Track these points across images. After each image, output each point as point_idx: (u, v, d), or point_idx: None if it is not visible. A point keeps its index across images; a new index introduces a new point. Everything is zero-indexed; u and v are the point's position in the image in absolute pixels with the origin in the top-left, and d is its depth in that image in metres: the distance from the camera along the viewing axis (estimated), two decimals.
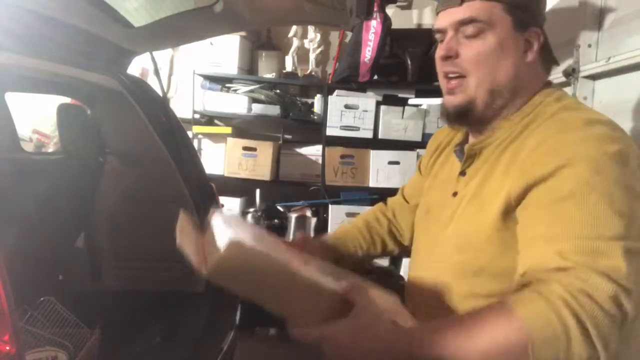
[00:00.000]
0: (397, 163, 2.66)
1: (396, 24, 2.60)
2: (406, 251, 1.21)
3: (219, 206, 2.03)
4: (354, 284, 0.71)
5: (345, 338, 0.67)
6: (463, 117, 0.90)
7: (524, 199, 0.77)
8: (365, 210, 2.63)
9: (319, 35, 2.91)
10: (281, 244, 0.90)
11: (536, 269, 0.69)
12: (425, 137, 2.60)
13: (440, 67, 0.91)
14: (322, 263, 1.01)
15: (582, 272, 0.64)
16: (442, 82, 0.93)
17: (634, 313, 0.64)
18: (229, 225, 0.76)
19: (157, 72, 1.88)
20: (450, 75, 0.89)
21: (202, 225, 0.84)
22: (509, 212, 0.79)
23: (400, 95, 2.67)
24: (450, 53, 0.87)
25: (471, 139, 0.97)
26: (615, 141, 0.73)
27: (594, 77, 1.33)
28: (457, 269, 0.87)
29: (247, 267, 0.68)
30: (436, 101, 2.59)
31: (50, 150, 2.74)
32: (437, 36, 0.92)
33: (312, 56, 2.91)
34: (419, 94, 2.64)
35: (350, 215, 2.69)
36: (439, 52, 0.90)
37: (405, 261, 2.56)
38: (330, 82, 2.74)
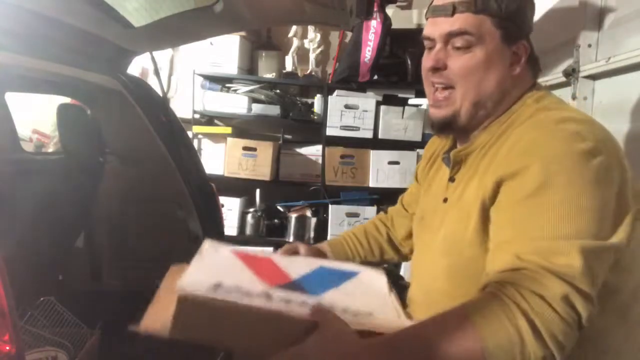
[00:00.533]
0: (397, 163, 2.66)
1: (396, 24, 2.60)
2: (405, 258, 1.23)
3: (219, 206, 2.02)
4: (317, 307, 0.71)
5: (313, 353, 0.66)
6: (447, 128, 0.92)
7: (495, 200, 0.78)
8: (365, 210, 2.67)
9: (319, 35, 2.91)
10: (248, 269, 0.89)
11: (494, 270, 0.69)
12: (426, 137, 2.60)
13: (427, 77, 0.91)
14: (309, 259, 1.02)
15: (535, 272, 0.64)
16: (428, 91, 0.93)
17: (594, 312, 0.64)
18: (196, 266, 0.78)
19: (157, 72, 1.88)
20: (437, 86, 0.90)
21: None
22: (486, 214, 0.80)
23: (400, 95, 2.68)
24: (439, 65, 0.87)
25: (458, 146, 0.97)
26: (586, 138, 0.72)
27: (594, 77, 1.33)
28: (447, 272, 0.88)
29: (203, 317, 0.69)
30: None
31: (50, 150, 2.73)
32: (425, 43, 0.92)
33: (312, 56, 2.91)
34: (419, 94, 2.64)
35: (350, 215, 2.69)
36: (427, 62, 0.89)
37: (405, 263, 2.56)
38: (330, 82, 2.74)
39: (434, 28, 0.88)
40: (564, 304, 0.62)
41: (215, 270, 0.86)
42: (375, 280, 0.96)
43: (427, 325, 0.68)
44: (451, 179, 0.94)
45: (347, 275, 0.94)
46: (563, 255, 0.65)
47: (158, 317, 0.74)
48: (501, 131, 0.86)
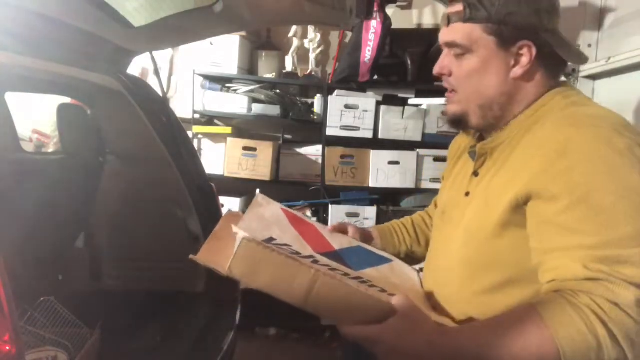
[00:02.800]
0: (397, 163, 2.66)
1: (396, 24, 2.60)
2: None
3: (219, 206, 2.02)
4: (401, 297, 0.74)
5: (391, 339, 0.70)
6: (460, 125, 0.96)
7: (534, 200, 0.77)
8: (365, 210, 2.67)
9: (319, 35, 2.91)
10: (295, 229, 0.93)
11: (562, 278, 0.70)
12: (426, 137, 2.60)
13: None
14: (353, 242, 1.02)
15: (606, 281, 0.66)
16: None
17: None
18: (251, 216, 0.78)
19: (157, 72, 1.88)
20: (446, 87, 0.96)
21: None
22: (517, 210, 0.79)
23: (400, 95, 2.67)
24: (443, 71, 0.93)
25: (485, 139, 0.98)
26: (623, 135, 0.73)
27: (594, 77, 1.33)
28: (464, 263, 0.88)
29: (262, 267, 0.70)
30: (436, 101, 2.59)
31: (50, 150, 2.73)
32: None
33: (312, 56, 2.91)
34: (419, 94, 2.64)
35: (350, 215, 2.69)
36: (434, 69, 0.95)
37: None
38: (330, 82, 2.74)
39: (440, 36, 0.93)
40: (638, 308, 0.65)
41: (267, 224, 0.89)
42: (407, 270, 0.98)
43: (500, 321, 0.71)
44: (475, 173, 0.94)
45: (383, 260, 0.97)
46: (629, 263, 0.67)
47: (216, 254, 0.76)
48: (528, 125, 0.86)
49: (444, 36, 0.91)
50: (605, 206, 0.69)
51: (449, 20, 0.89)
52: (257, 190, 0.93)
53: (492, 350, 0.67)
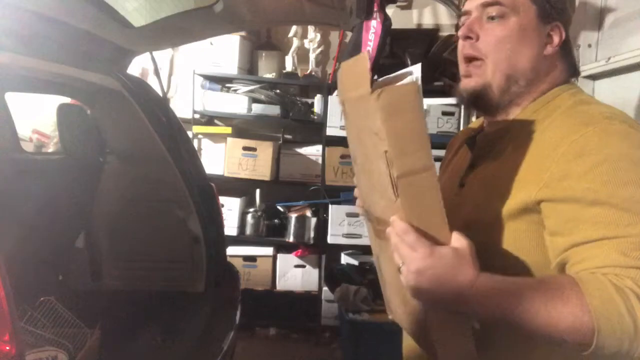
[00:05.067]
0: None
1: (396, 24, 2.60)
2: None
3: (219, 206, 2.02)
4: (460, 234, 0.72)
5: (441, 265, 0.68)
6: (478, 101, 0.89)
7: (555, 202, 0.75)
8: None
9: (319, 35, 2.91)
10: None
11: (600, 265, 0.69)
12: None
13: (461, 49, 0.90)
14: None
15: None
16: (461, 66, 0.92)
17: None
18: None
19: (157, 72, 1.88)
20: (469, 57, 0.88)
21: None
22: (525, 210, 0.78)
23: None
24: (471, 34, 0.86)
25: (485, 130, 0.96)
26: (638, 130, 0.74)
27: (594, 77, 1.33)
28: None
29: (414, 109, 0.66)
30: (436, 101, 2.59)
31: (50, 150, 2.74)
32: (462, 19, 0.91)
33: (312, 56, 2.91)
34: None
35: (350, 215, 2.69)
36: (460, 31, 0.88)
37: None
38: (330, 82, 2.74)
39: (468, 3, 0.88)
40: None
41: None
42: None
43: (539, 282, 0.70)
44: (472, 165, 0.93)
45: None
46: None
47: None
48: (534, 121, 0.84)
49: None
50: (635, 199, 0.68)
51: None
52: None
53: (529, 307, 0.66)
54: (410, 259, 0.69)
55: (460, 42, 0.90)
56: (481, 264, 0.81)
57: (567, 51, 0.88)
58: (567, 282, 0.68)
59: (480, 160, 0.91)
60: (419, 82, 0.68)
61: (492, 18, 0.85)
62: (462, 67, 0.91)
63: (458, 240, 0.71)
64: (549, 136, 0.80)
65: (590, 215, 0.71)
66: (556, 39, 0.85)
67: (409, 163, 0.67)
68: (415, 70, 0.75)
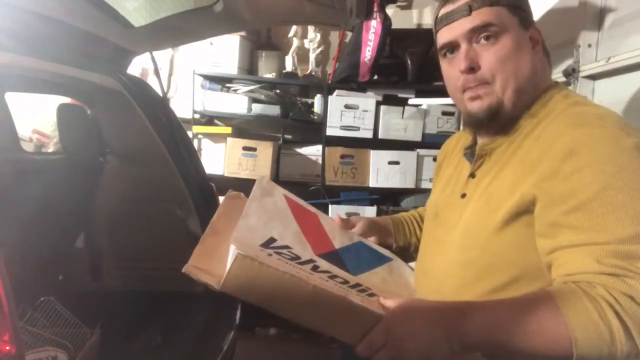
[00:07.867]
0: (397, 163, 2.66)
1: (396, 24, 2.60)
2: None
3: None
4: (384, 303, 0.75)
5: (399, 322, 0.71)
6: (496, 117, 0.89)
7: (544, 201, 0.76)
8: (365, 210, 2.66)
9: (319, 35, 2.91)
10: (297, 223, 0.92)
11: (575, 272, 0.70)
12: (426, 137, 2.60)
13: (460, 82, 0.90)
14: (359, 239, 1.02)
15: (622, 276, 0.66)
16: (459, 97, 0.92)
17: None
18: (254, 211, 0.77)
19: (157, 72, 1.88)
20: (472, 85, 0.89)
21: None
22: (523, 210, 0.79)
23: (400, 95, 2.67)
24: (474, 64, 0.87)
25: (480, 141, 0.97)
26: (630, 134, 0.74)
27: (594, 77, 1.33)
28: (463, 267, 0.87)
29: (258, 282, 0.69)
30: (436, 101, 2.59)
31: (50, 150, 2.73)
32: (443, 52, 0.92)
33: (312, 56, 2.91)
34: (419, 94, 2.64)
35: (350, 215, 2.69)
36: (460, 64, 0.88)
37: None
38: (330, 82, 2.74)
39: (453, 32, 0.89)
40: None
41: (268, 218, 0.87)
42: (405, 271, 0.98)
43: (515, 301, 0.71)
44: (472, 175, 0.93)
45: (383, 259, 0.97)
46: None
47: (211, 258, 0.74)
48: (532, 126, 0.86)
49: (466, 24, 0.86)
50: (616, 205, 0.69)
51: (470, 8, 0.86)
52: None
53: (505, 328, 0.67)
54: (388, 344, 0.71)
55: (460, 75, 0.89)
56: (484, 272, 0.83)
57: (544, 46, 0.93)
58: (541, 298, 0.69)
59: (480, 171, 0.92)
60: (246, 256, 0.68)
61: (487, 38, 0.86)
62: (467, 94, 0.90)
63: (389, 302, 0.75)
64: (543, 139, 0.81)
65: (571, 219, 0.72)
66: (538, 40, 0.90)
67: (295, 305, 0.73)
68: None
